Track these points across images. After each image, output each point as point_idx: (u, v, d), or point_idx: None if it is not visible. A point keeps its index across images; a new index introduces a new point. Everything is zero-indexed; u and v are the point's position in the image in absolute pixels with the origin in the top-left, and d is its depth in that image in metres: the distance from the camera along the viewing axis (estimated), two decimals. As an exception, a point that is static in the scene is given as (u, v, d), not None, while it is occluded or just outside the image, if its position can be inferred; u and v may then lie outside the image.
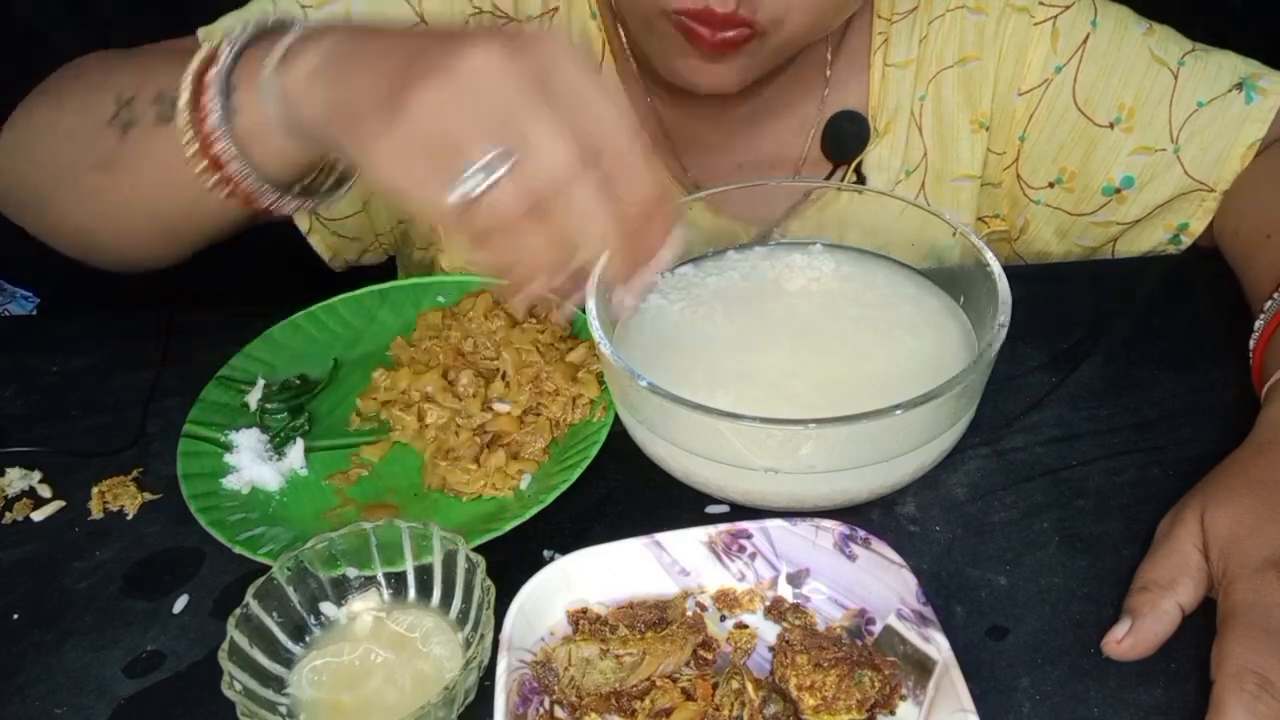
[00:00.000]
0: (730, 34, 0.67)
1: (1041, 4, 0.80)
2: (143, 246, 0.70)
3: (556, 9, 0.82)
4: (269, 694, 0.51)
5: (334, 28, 0.55)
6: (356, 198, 0.87)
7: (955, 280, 0.67)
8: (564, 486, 0.62)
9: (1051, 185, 0.84)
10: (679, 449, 0.58)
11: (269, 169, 0.58)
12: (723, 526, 0.56)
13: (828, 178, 0.85)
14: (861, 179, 0.85)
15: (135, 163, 0.63)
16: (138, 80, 0.64)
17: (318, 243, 0.89)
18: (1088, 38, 0.80)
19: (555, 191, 0.46)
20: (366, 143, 0.48)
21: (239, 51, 0.57)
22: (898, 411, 0.53)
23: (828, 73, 0.83)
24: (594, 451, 0.64)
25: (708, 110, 0.84)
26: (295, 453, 0.68)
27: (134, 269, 0.74)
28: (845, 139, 0.84)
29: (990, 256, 0.62)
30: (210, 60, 0.57)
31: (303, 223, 0.87)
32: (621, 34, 0.81)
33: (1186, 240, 0.83)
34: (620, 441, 0.64)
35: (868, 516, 0.61)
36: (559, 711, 0.51)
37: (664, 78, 0.75)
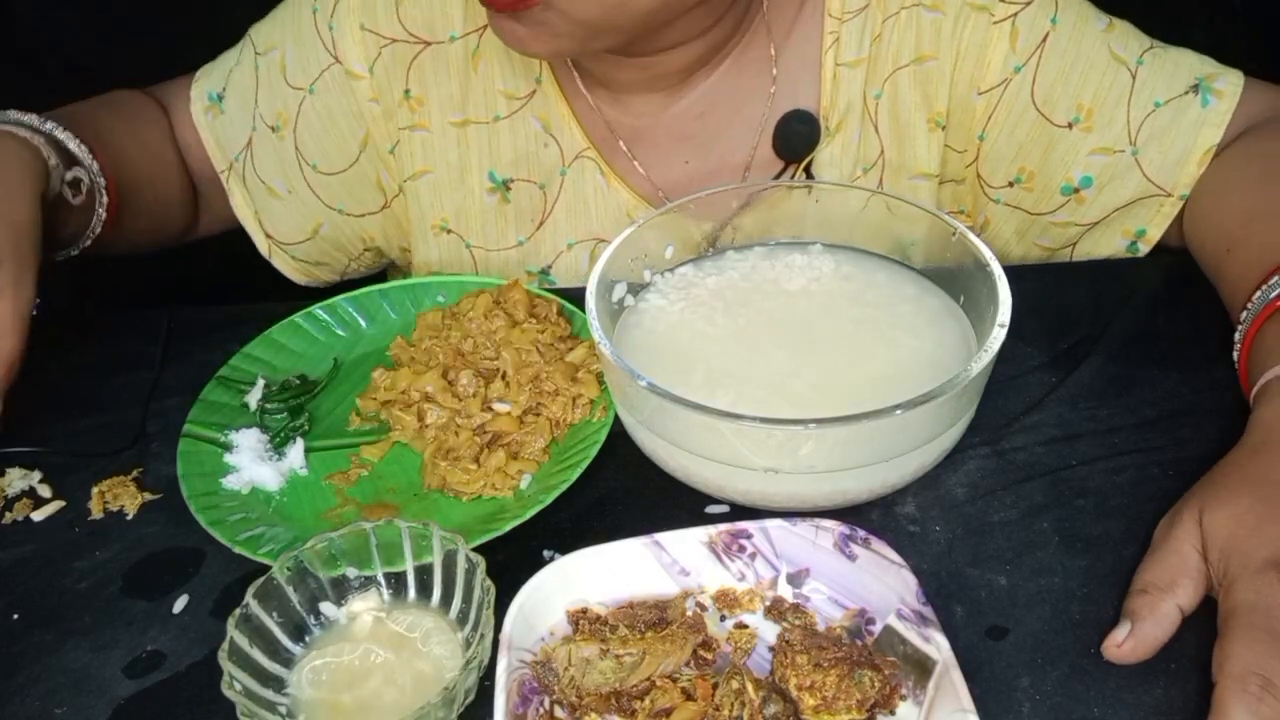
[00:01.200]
0: None
1: (1001, 1, 0.80)
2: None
3: (483, 27, 0.83)
4: (269, 694, 0.51)
5: None
6: (306, 224, 0.92)
7: (955, 280, 0.67)
8: (564, 486, 0.62)
9: (1011, 185, 0.84)
10: (679, 449, 0.58)
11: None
12: (723, 526, 0.56)
13: (777, 177, 0.85)
14: (810, 179, 0.84)
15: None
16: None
17: (281, 265, 0.95)
18: (1047, 36, 0.79)
19: None
20: None
21: None
22: (898, 411, 0.53)
23: (774, 71, 0.83)
24: (594, 451, 0.64)
25: (649, 109, 0.85)
26: (295, 453, 0.68)
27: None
28: (795, 140, 0.83)
29: (990, 256, 0.62)
30: None
31: (261, 246, 0.94)
32: None
33: (1144, 248, 0.83)
34: (620, 441, 0.64)
35: (868, 516, 0.61)
36: (559, 711, 0.51)
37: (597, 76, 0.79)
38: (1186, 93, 0.79)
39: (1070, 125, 0.80)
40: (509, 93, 0.85)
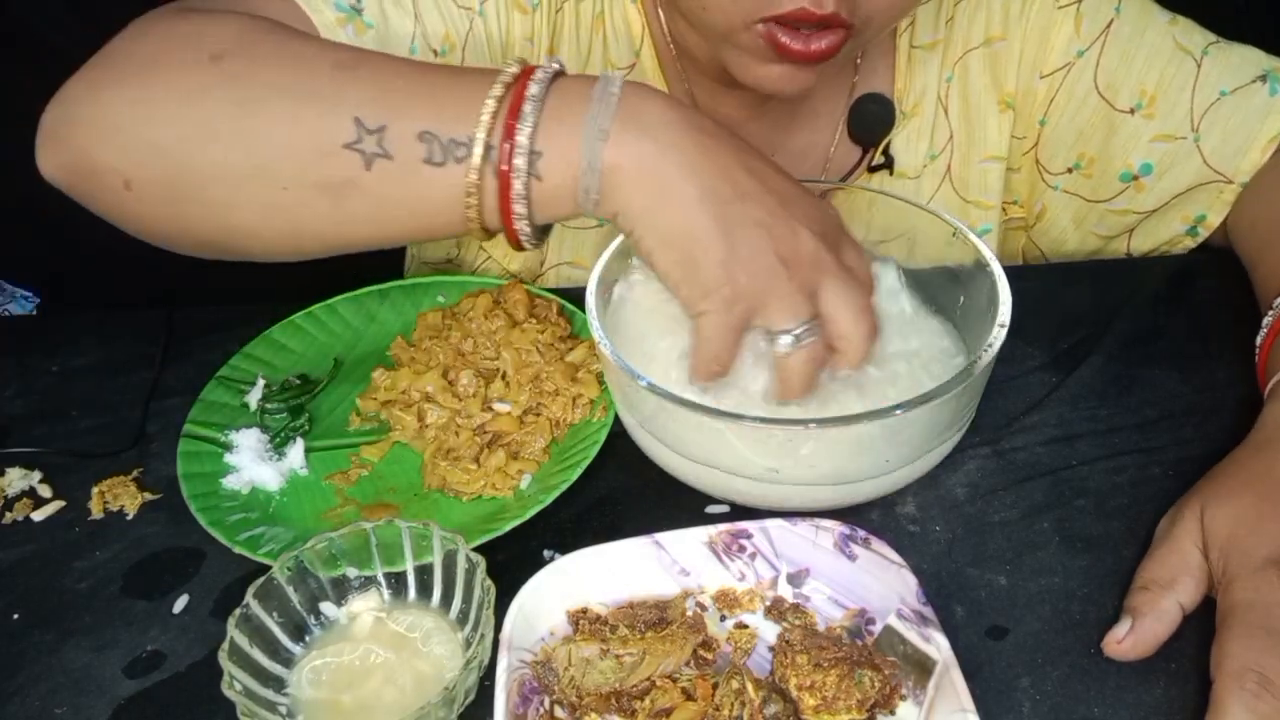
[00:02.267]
0: (824, 43, 0.65)
1: None
2: (308, 254, 0.63)
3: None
4: (269, 694, 0.51)
5: (649, 110, 0.55)
6: None
7: (955, 280, 0.67)
8: (564, 486, 0.62)
9: (1070, 171, 0.84)
10: (679, 449, 0.58)
11: (542, 220, 0.58)
12: (723, 526, 0.56)
13: (858, 162, 0.85)
14: (889, 160, 0.84)
15: (379, 195, 0.57)
16: (382, 103, 0.57)
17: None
18: (1111, 23, 0.80)
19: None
20: (695, 297, 0.55)
21: (540, 105, 0.55)
22: (898, 411, 0.53)
23: (858, 60, 0.83)
24: (594, 451, 0.64)
25: (748, 101, 0.83)
26: (295, 453, 0.68)
27: (246, 260, 0.66)
28: (870, 121, 0.83)
29: (990, 256, 0.62)
30: (503, 109, 0.55)
31: None
32: (661, 18, 0.81)
33: (1204, 233, 0.82)
34: (620, 441, 0.64)
35: (868, 516, 0.61)
36: (559, 711, 0.51)
37: (732, 76, 0.71)
38: (1254, 81, 0.79)
39: (1132, 111, 0.80)
40: (614, 63, 0.83)
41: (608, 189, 0.55)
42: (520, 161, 0.55)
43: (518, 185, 0.55)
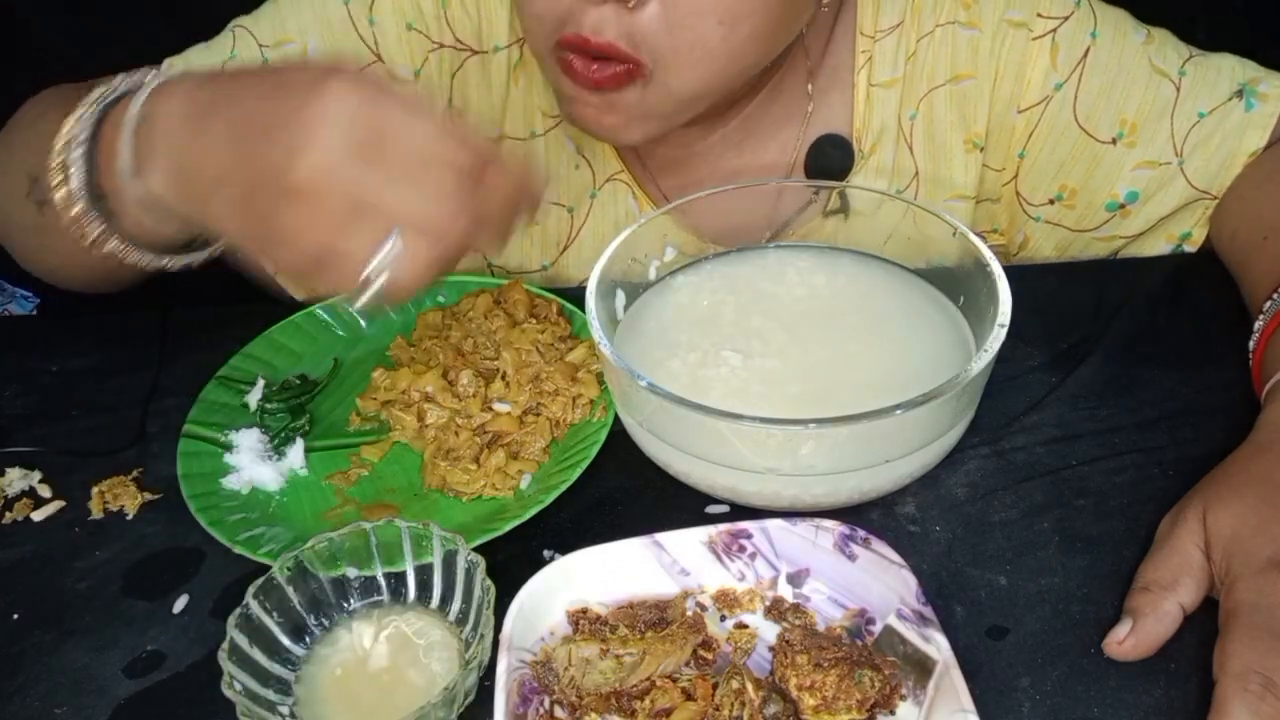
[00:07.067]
0: (608, 71, 0.66)
1: (1040, 16, 0.78)
2: (92, 285, 0.75)
3: (524, 39, 0.81)
4: (269, 694, 0.51)
5: (174, 98, 0.55)
6: None
7: (955, 280, 0.67)
8: (564, 486, 0.62)
9: (1052, 202, 0.83)
10: (679, 449, 0.58)
11: (147, 242, 0.61)
12: (723, 526, 0.56)
13: (808, 203, 0.83)
14: (846, 203, 0.83)
15: (52, 233, 0.63)
16: (41, 153, 0.62)
17: (286, 280, 0.88)
18: (1088, 51, 0.78)
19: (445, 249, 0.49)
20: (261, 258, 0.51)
21: (96, 125, 0.58)
22: (898, 411, 0.53)
23: (809, 88, 0.82)
24: (594, 451, 0.64)
25: (688, 140, 0.83)
26: (295, 453, 0.68)
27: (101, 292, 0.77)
28: (828, 164, 0.82)
29: (990, 256, 0.62)
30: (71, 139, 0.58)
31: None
32: None
33: (1189, 249, 0.83)
34: (620, 441, 0.64)
35: (868, 516, 0.61)
36: (559, 711, 0.51)
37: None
38: (1230, 99, 0.78)
39: (1114, 141, 0.79)
40: (546, 110, 0.83)
41: (158, 203, 0.56)
42: (77, 190, 0.58)
43: (77, 209, 0.58)
